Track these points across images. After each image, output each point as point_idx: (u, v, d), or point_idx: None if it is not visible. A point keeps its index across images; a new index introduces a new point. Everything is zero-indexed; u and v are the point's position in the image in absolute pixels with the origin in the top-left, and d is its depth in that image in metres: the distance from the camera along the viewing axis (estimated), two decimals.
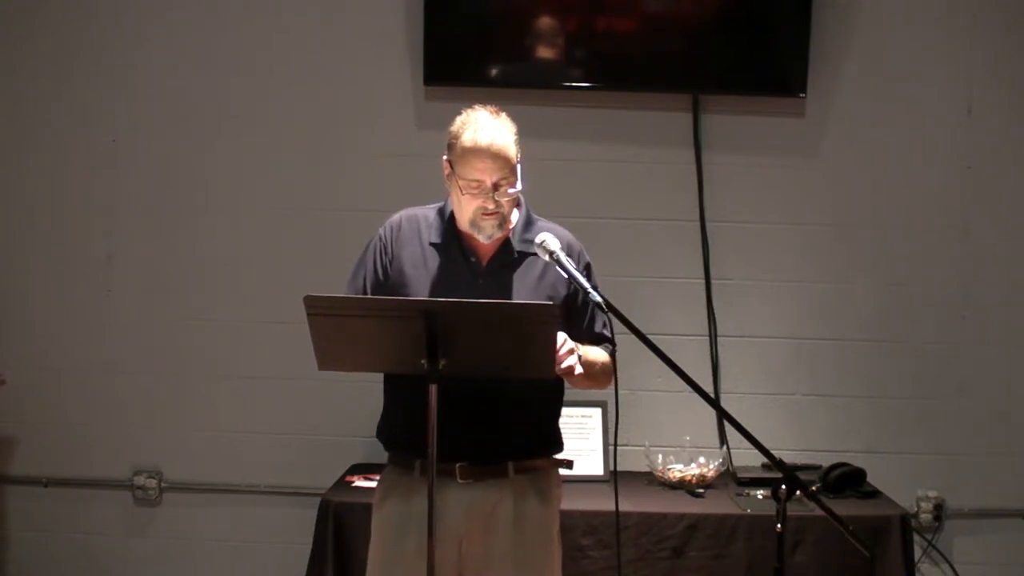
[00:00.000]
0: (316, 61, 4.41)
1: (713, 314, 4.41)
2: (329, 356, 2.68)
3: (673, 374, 2.62)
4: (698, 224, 4.39)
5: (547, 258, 2.77)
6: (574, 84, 4.36)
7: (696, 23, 4.37)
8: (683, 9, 4.37)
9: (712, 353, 4.41)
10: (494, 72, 4.38)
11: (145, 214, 4.47)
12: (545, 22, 4.33)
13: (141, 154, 4.46)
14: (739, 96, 4.37)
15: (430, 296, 2.83)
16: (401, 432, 2.86)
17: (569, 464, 3.03)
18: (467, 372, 2.64)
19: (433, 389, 2.58)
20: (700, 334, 4.41)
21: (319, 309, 2.60)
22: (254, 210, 4.45)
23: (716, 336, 4.41)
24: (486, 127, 2.80)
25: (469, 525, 2.86)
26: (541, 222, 2.96)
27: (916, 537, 4.16)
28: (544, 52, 4.36)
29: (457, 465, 2.83)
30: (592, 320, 2.91)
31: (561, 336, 2.71)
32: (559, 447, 3.00)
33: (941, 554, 4.39)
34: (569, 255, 2.90)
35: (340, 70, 4.41)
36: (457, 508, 2.85)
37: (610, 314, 2.72)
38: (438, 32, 4.28)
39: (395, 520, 2.86)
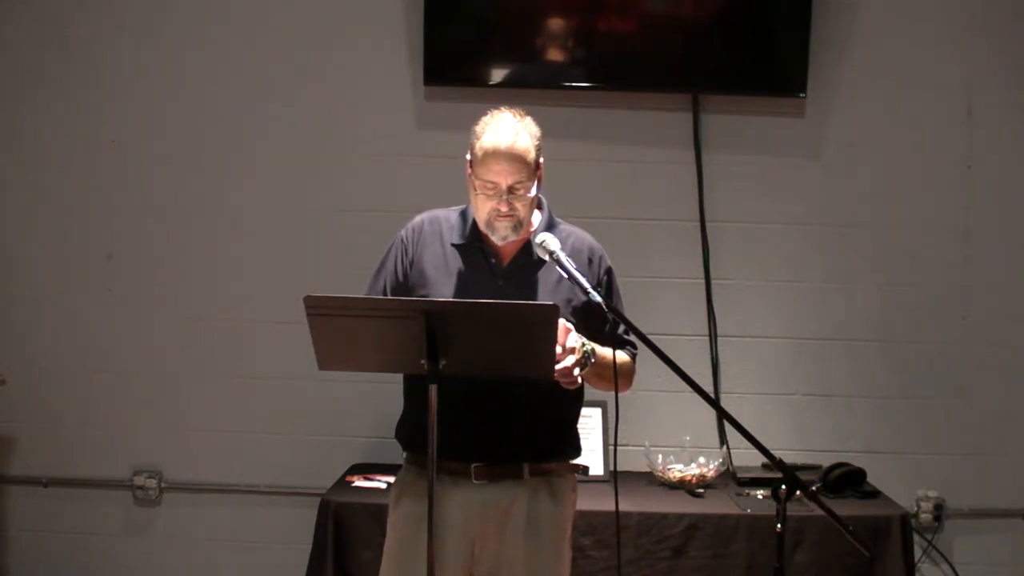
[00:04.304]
0: (316, 61, 4.41)
1: (713, 314, 4.41)
2: (329, 356, 2.68)
3: (673, 374, 2.62)
4: (698, 224, 4.39)
5: (547, 258, 2.77)
6: (574, 84, 4.36)
7: (696, 23, 4.37)
8: (683, 9, 4.37)
9: (712, 353, 4.41)
10: (494, 72, 4.38)
11: (145, 214, 4.47)
12: (545, 22, 4.33)
13: (141, 154, 4.46)
14: (739, 96, 4.37)
15: (452, 296, 2.83)
16: (420, 432, 2.82)
17: (584, 470, 3.03)
18: (467, 372, 2.64)
19: (433, 389, 2.58)
20: (700, 334, 4.41)
21: (319, 309, 2.60)
22: (254, 210, 4.45)
23: (716, 336, 4.41)
24: (507, 130, 2.80)
25: (483, 526, 2.87)
26: (563, 225, 2.97)
27: (916, 537, 4.16)
28: (544, 52, 4.36)
29: (472, 466, 2.85)
30: (614, 324, 2.88)
31: (574, 338, 2.71)
32: (576, 451, 3.00)
33: (941, 554, 4.39)
34: (589, 260, 2.93)
35: (340, 70, 4.41)
36: (471, 509, 2.85)
37: (612, 315, 2.73)
38: (438, 32, 4.28)
39: (411, 519, 2.85)
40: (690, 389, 2.65)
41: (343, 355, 2.70)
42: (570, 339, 2.70)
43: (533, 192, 2.84)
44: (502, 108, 2.88)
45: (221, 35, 4.43)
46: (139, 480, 4.49)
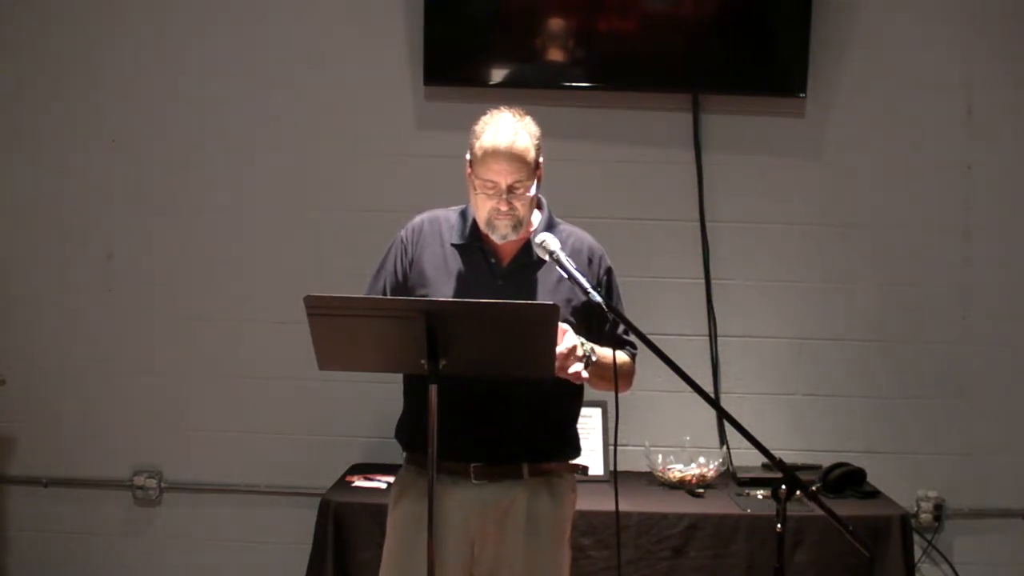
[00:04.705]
0: (316, 61, 4.41)
1: (713, 314, 4.41)
2: (329, 356, 2.68)
3: (673, 374, 2.62)
4: (698, 224, 4.40)
5: (547, 258, 2.77)
6: (574, 84, 4.36)
7: (696, 23, 4.37)
8: (683, 9, 4.37)
9: (712, 353, 4.41)
10: (494, 72, 4.38)
11: (145, 214, 4.47)
12: (545, 22, 4.33)
13: (141, 154, 4.46)
14: (739, 96, 4.37)
15: (451, 296, 2.83)
16: (420, 432, 2.76)
17: (584, 470, 3.03)
18: (468, 372, 2.65)
19: (433, 389, 2.59)
20: (700, 334, 4.41)
21: (319, 309, 2.60)
22: (254, 210, 4.45)
23: (716, 336, 4.41)
24: (506, 129, 2.81)
25: (482, 526, 2.87)
26: (563, 225, 2.97)
27: (916, 537, 4.16)
28: (544, 52, 4.36)
29: (472, 465, 2.85)
30: (614, 324, 2.89)
31: (572, 338, 2.72)
32: (576, 451, 2.99)
33: (941, 554, 4.39)
34: (589, 260, 2.93)
35: (340, 70, 4.41)
36: (470, 508, 2.86)
37: (612, 315, 2.73)
38: (438, 32, 4.28)
39: (410, 519, 2.85)
40: (690, 389, 2.65)
41: (343, 355, 2.70)
42: (567, 339, 2.71)
43: (533, 191, 2.84)
44: (501, 108, 2.88)
45: (221, 35, 4.43)
46: (139, 480, 4.48)
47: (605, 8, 4.34)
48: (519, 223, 2.84)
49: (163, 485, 4.50)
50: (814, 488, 2.66)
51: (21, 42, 4.46)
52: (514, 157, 2.79)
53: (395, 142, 4.41)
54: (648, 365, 2.93)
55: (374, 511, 3.67)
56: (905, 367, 4.42)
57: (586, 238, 2.99)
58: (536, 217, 2.93)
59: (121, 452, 4.49)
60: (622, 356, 2.92)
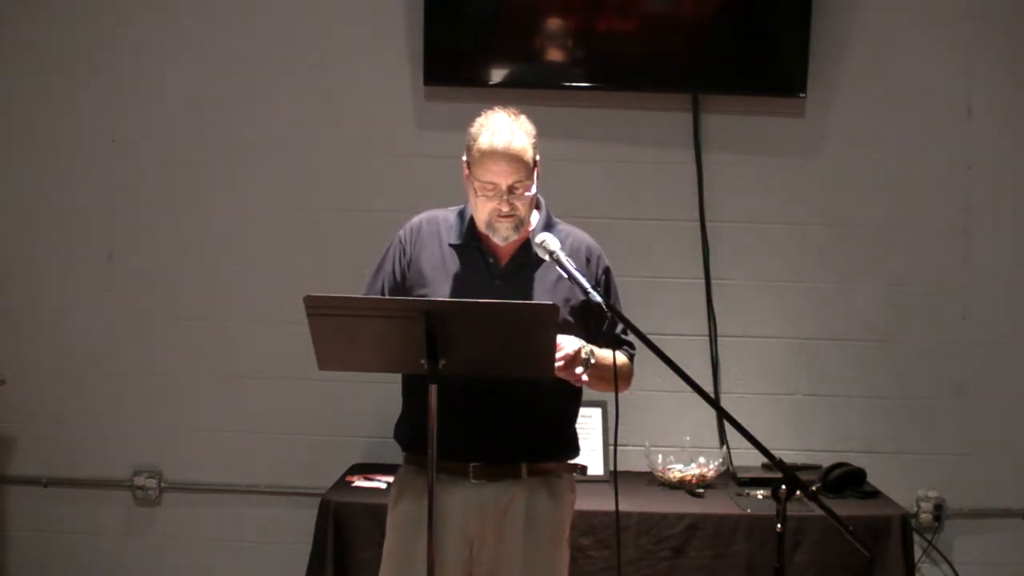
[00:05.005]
0: (316, 61, 4.41)
1: (713, 314, 4.41)
2: (329, 356, 2.68)
3: (673, 374, 2.62)
4: (698, 224, 4.40)
5: (547, 258, 2.77)
6: (574, 84, 4.36)
7: (696, 23, 4.37)
8: (683, 9, 4.37)
9: (712, 353, 4.41)
10: (494, 72, 4.38)
11: (145, 214, 4.47)
12: (545, 22, 4.33)
13: (141, 154, 4.46)
14: (739, 96, 4.37)
15: (449, 296, 2.83)
16: (419, 432, 2.75)
17: (583, 469, 3.04)
18: (467, 372, 2.65)
19: (433, 389, 2.59)
20: (700, 334, 4.41)
21: (319, 309, 2.60)
22: (254, 210, 4.45)
23: (716, 336, 4.41)
24: (503, 130, 2.80)
25: (481, 526, 2.87)
26: (561, 224, 2.97)
27: (916, 537, 4.16)
28: (544, 52, 4.36)
29: (471, 465, 2.85)
30: (612, 323, 2.89)
31: (574, 341, 2.71)
32: (575, 451, 2.99)
33: (941, 554, 4.39)
34: (588, 260, 2.93)
35: (340, 70, 4.41)
36: (469, 508, 2.86)
37: (611, 314, 2.73)
38: (438, 32, 4.28)
39: (410, 518, 2.86)
40: (690, 389, 2.65)
41: (343, 355, 2.71)
42: (568, 343, 2.70)
43: (532, 191, 2.84)
44: (496, 108, 2.88)
45: (221, 35, 4.43)
46: (139, 480, 4.48)
47: (605, 8, 4.34)
48: (520, 223, 2.84)
49: (163, 485, 4.50)
50: (814, 488, 2.66)
51: (21, 42, 4.46)
52: (512, 157, 2.79)
53: (395, 142, 4.41)
54: (648, 365, 2.92)
55: (374, 511, 3.67)
56: (905, 367, 4.42)
57: (584, 238, 2.99)
58: (534, 217, 2.93)
59: (121, 452, 4.49)
60: (621, 357, 2.92)
